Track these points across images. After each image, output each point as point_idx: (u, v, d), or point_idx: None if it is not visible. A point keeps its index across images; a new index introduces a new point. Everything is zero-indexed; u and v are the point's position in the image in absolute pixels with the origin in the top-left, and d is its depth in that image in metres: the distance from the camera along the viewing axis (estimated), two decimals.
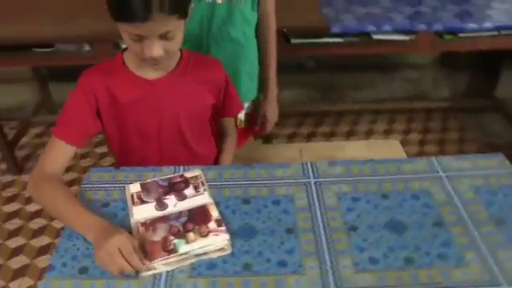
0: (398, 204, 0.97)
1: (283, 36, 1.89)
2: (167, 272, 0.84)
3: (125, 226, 0.91)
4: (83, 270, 0.84)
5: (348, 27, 1.85)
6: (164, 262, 0.84)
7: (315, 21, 1.89)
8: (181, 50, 1.10)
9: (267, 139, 2.21)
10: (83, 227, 0.87)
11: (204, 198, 0.98)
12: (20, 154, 2.26)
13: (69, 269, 0.85)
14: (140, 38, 0.91)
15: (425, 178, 1.03)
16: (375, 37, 1.89)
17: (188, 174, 1.05)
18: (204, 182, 1.03)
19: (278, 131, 2.49)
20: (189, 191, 1.00)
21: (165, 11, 0.87)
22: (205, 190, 1.01)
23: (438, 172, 1.05)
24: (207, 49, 1.35)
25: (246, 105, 1.51)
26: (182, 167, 1.08)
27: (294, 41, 1.92)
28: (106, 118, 1.08)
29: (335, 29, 1.84)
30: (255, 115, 1.53)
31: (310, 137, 2.46)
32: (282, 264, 0.85)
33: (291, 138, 2.46)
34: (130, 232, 0.89)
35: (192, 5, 1.01)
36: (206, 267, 0.85)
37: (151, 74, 1.06)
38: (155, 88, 1.06)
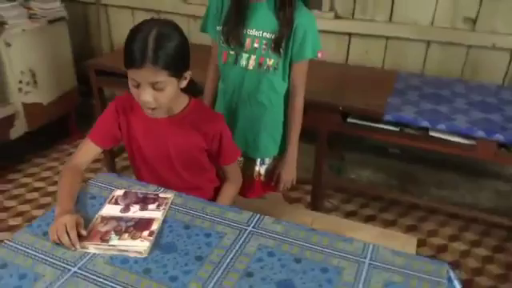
0: (303, 270, 1.04)
1: (340, 113, 2.03)
2: (94, 253, 1.08)
3: (92, 216, 1.19)
4: (45, 233, 1.13)
5: (402, 117, 1.90)
6: (94, 246, 1.09)
7: (373, 105, 1.98)
8: (190, 99, 1.37)
9: (315, 207, 2.30)
10: (58, 205, 1.18)
11: (157, 214, 1.20)
12: (121, 163, 2.79)
13: (39, 230, 1.15)
14: (138, 85, 1.19)
15: (346, 258, 1.07)
16: (432, 133, 1.89)
17: (162, 194, 1.29)
18: (168, 203, 1.25)
19: (339, 205, 2.55)
20: (152, 206, 1.24)
21: (156, 65, 1.15)
22: (163, 209, 1.23)
23: (365, 258, 1.08)
24: (236, 107, 1.60)
25: (268, 160, 1.70)
26: (162, 188, 1.32)
27: (350, 120, 2.04)
28: (122, 134, 1.39)
29: (388, 117, 1.91)
30: (274, 172, 1.70)
31: (368, 220, 2.45)
32: (173, 279, 1.01)
33: (349, 215, 2.48)
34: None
35: (189, 72, 1.27)
36: (120, 260, 1.06)
37: (157, 114, 1.31)
38: (156, 124, 1.33)
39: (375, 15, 2.45)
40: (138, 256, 1.07)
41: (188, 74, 1.27)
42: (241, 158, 1.67)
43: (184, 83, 1.27)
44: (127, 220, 1.18)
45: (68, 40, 2.90)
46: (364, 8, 2.46)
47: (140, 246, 1.09)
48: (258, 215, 1.22)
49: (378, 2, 2.41)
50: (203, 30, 1.62)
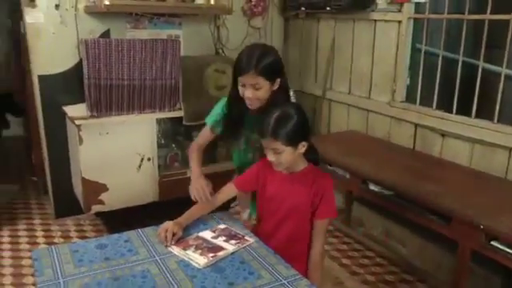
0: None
1: (484, 233, 1.88)
2: (174, 254, 1.51)
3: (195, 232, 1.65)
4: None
5: None
6: (177, 250, 1.53)
7: None
8: (309, 164, 1.67)
9: None
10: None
11: (230, 247, 1.56)
12: None
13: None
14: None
15: None
16: None
17: (247, 237, 1.63)
18: (245, 244, 1.59)
19: None
20: (233, 241, 1.60)
21: (273, 138, 1.52)
22: (238, 246, 1.57)
23: None
24: None
25: None
26: (252, 234, 1.66)
27: (493, 243, 1.86)
28: (259, 185, 1.75)
29: None
30: None
31: None
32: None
33: None
34: None
35: (304, 143, 1.57)
36: (183, 264, 1.46)
37: (279, 168, 1.65)
38: (282, 180, 1.66)
39: None
40: (196, 266, 1.45)
41: (304, 144, 1.59)
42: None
43: (302, 150, 1.59)
44: (209, 243, 1.57)
45: None
46: None
47: (200, 260, 1.46)
48: (302, 278, 1.41)
49: None
50: None
